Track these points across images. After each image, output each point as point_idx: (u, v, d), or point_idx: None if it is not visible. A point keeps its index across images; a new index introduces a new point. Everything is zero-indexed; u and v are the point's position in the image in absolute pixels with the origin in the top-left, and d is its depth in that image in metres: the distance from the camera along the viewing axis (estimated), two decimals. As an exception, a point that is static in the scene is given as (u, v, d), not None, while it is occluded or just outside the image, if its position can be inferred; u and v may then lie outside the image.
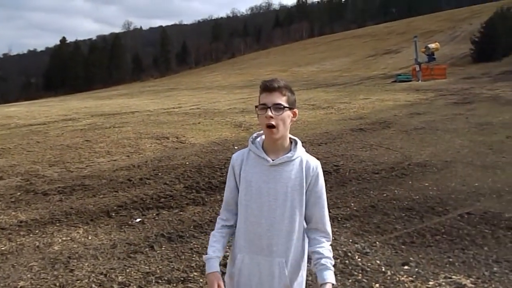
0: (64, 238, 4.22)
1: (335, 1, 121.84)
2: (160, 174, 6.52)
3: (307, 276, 1.81)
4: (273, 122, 1.62)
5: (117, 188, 5.86)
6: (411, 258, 3.51)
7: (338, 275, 3.21)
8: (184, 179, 6.20)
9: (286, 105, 1.65)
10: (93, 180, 6.27)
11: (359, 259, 3.51)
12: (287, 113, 1.66)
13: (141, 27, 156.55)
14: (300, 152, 1.72)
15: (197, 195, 5.47)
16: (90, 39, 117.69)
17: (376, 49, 50.97)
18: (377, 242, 3.85)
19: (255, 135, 1.79)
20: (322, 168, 1.76)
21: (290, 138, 1.75)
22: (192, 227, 4.38)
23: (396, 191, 5.32)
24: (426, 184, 5.56)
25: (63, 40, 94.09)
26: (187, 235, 4.16)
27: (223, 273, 1.74)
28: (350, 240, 3.90)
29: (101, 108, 17.69)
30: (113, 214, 4.85)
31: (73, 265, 3.59)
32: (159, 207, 5.06)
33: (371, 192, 5.32)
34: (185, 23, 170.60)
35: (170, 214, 4.81)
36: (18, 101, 37.53)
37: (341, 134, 9.27)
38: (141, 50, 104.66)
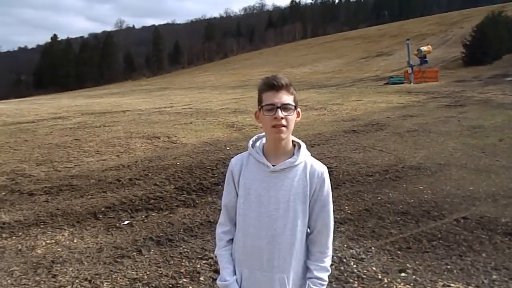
0: (48, 241, 4.05)
1: (328, 3, 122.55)
2: (150, 174, 6.36)
3: None
4: (284, 123, 1.48)
5: (106, 188, 5.69)
6: (408, 265, 3.41)
7: (333, 283, 3.10)
8: (175, 180, 6.05)
9: (294, 104, 1.52)
10: (81, 180, 6.09)
11: (355, 266, 3.40)
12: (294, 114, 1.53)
13: (133, 26, 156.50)
14: (303, 156, 1.57)
15: (187, 196, 5.32)
16: (81, 37, 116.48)
17: (369, 51, 51.24)
18: (373, 248, 3.74)
19: (255, 138, 1.65)
20: None
21: (293, 141, 1.59)
22: (182, 230, 4.19)
23: (390, 194, 5.22)
24: (421, 187, 5.47)
25: (55, 37, 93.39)
26: (177, 238, 3.99)
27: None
28: (345, 245, 3.79)
29: (91, 106, 17.44)
30: (101, 216, 4.69)
31: (57, 270, 3.43)
32: (148, 208, 4.90)
33: (365, 195, 5.21)
34: (178, 22, 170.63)
35: (159, 216, 4.65)
36: (8, 99, 36.91)
37: (334, 136, 9.18)
38: (133, 49, 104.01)
